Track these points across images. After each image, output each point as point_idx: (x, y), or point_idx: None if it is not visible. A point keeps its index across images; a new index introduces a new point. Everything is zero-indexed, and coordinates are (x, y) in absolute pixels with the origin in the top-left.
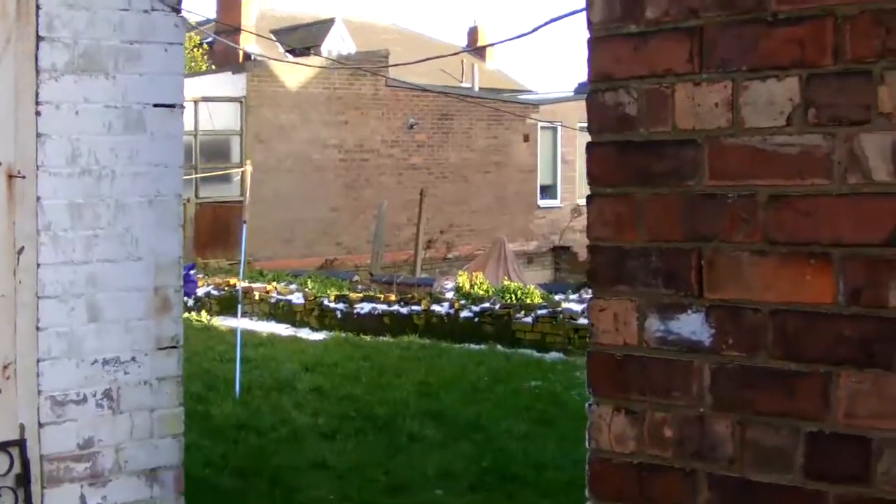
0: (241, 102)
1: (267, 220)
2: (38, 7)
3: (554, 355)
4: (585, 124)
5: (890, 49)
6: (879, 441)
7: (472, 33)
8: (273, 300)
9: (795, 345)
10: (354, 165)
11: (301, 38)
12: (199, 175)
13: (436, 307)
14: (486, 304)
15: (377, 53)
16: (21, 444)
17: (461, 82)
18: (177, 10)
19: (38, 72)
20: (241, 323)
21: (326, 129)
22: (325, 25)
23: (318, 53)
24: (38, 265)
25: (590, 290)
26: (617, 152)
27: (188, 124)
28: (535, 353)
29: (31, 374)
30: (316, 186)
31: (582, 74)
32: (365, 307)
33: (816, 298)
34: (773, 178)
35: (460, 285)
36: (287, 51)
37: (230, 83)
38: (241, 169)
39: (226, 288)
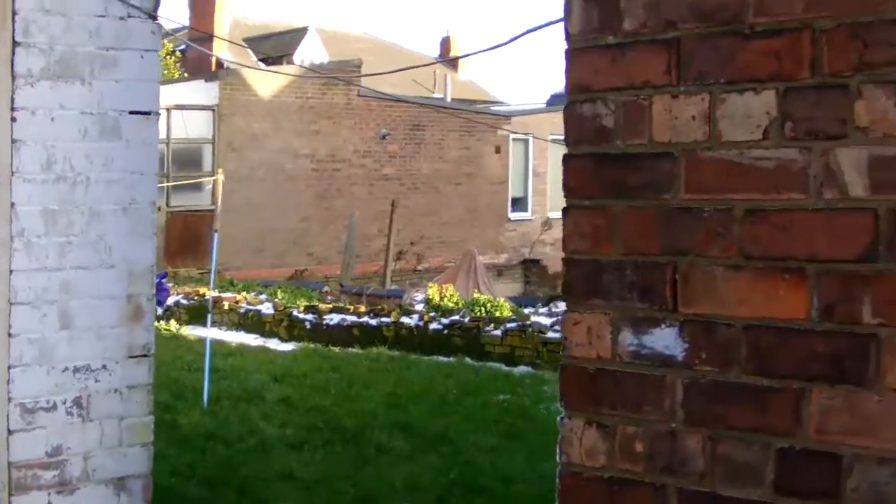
0: (213, 111)
1: (238, 230)
2: (14, 12)
3: (522, 369)
4: (557, 136)
5: (867, 63)
6: (850, 457)
7: (445, 43)
8: (242, 310)
9: (768, 360)
10: (326, 175)
11: (274, 47)
12: (170, 183)
13: (405, 319)
14: (456, 317)
15: (350, 63)
16: None
17: (433, 93)
18: (153, 17)
19: (13, 77)
20: (210, 333)
21: (298, 138)
22: (298, 34)
23: (290, 62)
24: (11, 271)
25: (560, 304)
26: (594, 164)
27: (160, 132)
28: (504, 367)
29: (2, 380)
30: (287, 196)
31: (554, 86)
32: (334, 318)
33: (790, 314)
34: (749, 192)
35: (430, 297)
36: (260, 59)
37: (203, 91)
38: (213, 178)
39: (195, 297)
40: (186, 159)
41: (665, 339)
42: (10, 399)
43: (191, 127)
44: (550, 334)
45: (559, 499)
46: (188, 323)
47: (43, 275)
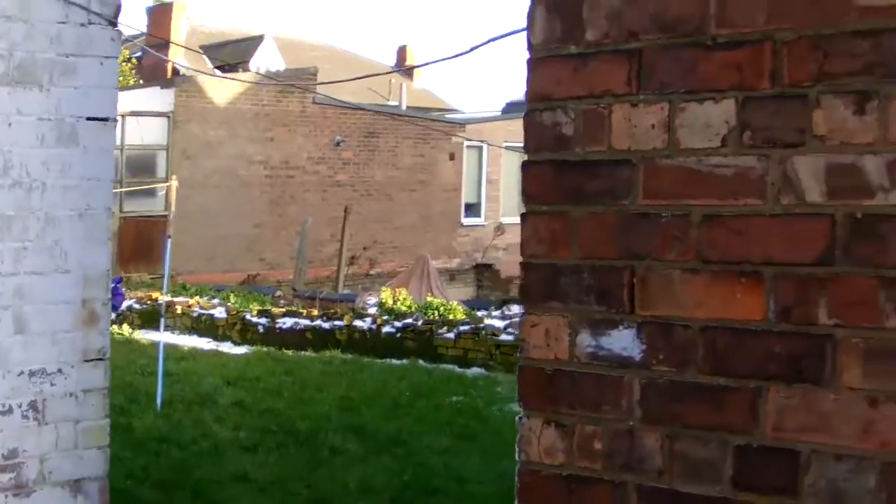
0: (168, 117)
1: (191, 236)
2: None
3: (476, 371)
4: (512, 144)
5: (826, 73)
6: (807, 454)
7: (401, 52)
8: (195, 314)
9: (725, 360)
10: (280, 182)
11: (230, 54)
12: (124, 189)
13: (358, 322)
14: (409, 320)
15: (306, 70)
16: None
17: (388, 100)
18: (113, 24)
19: None
20: (163, 337)
21: (253, 145)
22: (254, 42)
23: (246, 69)
24: None
25: (513, 307)
26: (553, 171)
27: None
28: (457, 369)
29: None
30: (241, 202)
31: (510, 95)
32: (287, 322)
33: (747, 315)
34: (707, 198)
35: (383, 301)
36: (216, 66)
37: (158, 98)
38: (167, 184)
39: (148, 301)
40: (140, 165)
41: (623, 341)
42: None
43: (145, 133)
44: (504, 337)
45: (518, 497)
46: (141, 327)
47: None
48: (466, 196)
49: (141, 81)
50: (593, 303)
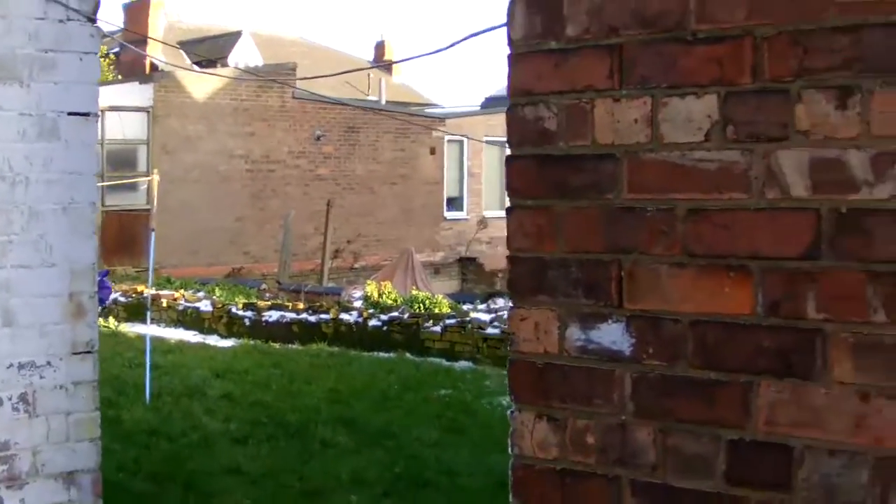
0: (147, 112)
1: (174, 230)
2: None
3: (463, 364)
4: (492, 138)
5: (807, 69)
6: (800, 449)
7: (379, 47)
8: (181, 307)
9: (715, 355)
10: (261, 176)
11: (208, 50)
12: (105, 183)
13: (344, 316)
14: (395, 313)
15: (285, 66)
16: None
17: (367, 95)
18: (92, 20)
19: None
20: (149, 330)
21: (233, 139)
22: (232, 38)
23: (225, 65)
24: None
25: (498, 300)
26: (537, 165)
27: None
28: (445, 362)
29: None
30: (222, 196)
31: (489, 89)
32: (273, 315)
33: (735, 310)
34: (691, 192)
35: (368, 294)
36: (194, 62)
37: (137, 93)
38: (149, 178)
39: (133, 295)
40: (121, 160)
41: (612, 335)
42: None
43: (125, 128)
44: (490, 330)
45: (512, 491)
46: (127, 320)
47: None
48: (448, 190)
49: (119, 77)
50: (581, 296)
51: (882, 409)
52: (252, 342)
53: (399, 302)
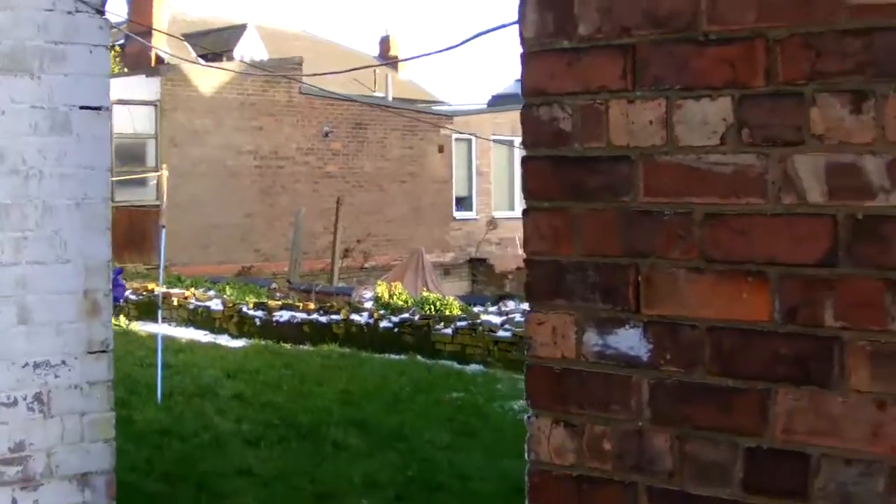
0: (155, 106)
1: (183, 225)
2: None
3: (474, 367)
4: (499, 137)
5: (820, 72)
6: (817, 457)
7: (384, 42)
8: (192, 306)
9: (733, 361)
10: (270, 172)
11: (213, 43)
12: (114, 178)
13: (355, 317)
14: (406, 315)
15: (291, 60)
16: None
17: (374, 91)
18: (100, 12)
19: None
20: (160, 329)
21: (241, 134)
22: (237, 31)
23: (230, 58)
24: None
25: (509, 303)
26: (552, 167)
27: None
28: (456, 365)
29: None
30: (231, 192)
31: (495, 87)
32: (284, 315)
33: (753, 316)
34: (708, 196)
35: (379, 295)
36: (199, 55)
37: (144, 86)
38: (158, 173)
39: (144, 293)
40: (129, 154)
41: (629, 340)
42: None
43: (133, 122)
44: (501, 333)
45: (529, 497)
46: (137, 318)
47: None
48: (457, 189)
49: (125, 70)
50: (599, 301)
51: None
52: (263, 342)
53: (410, 303)
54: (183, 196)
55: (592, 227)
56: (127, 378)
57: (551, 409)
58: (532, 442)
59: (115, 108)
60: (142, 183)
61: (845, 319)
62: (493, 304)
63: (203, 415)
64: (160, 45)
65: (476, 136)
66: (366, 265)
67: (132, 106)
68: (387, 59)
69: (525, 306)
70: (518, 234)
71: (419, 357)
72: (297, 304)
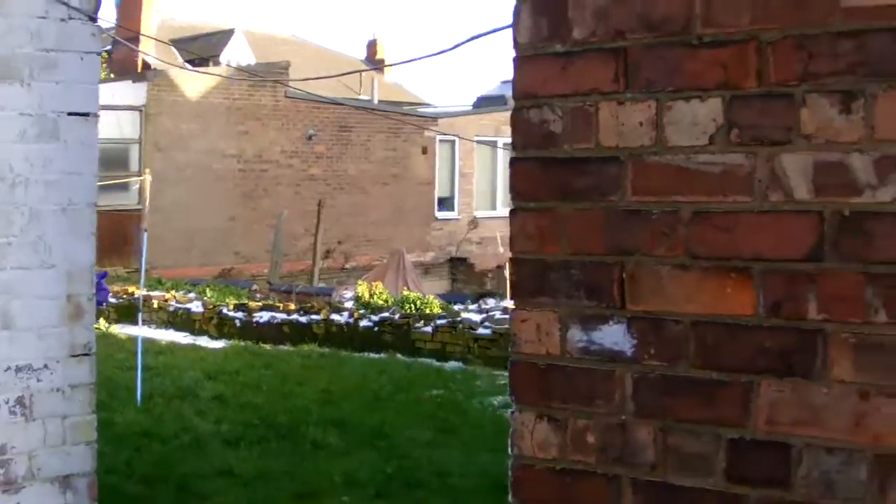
0: (140, 111)
1: (165, 229)
2: None
3: (454, 364)
4: (483, 138)
5: (811, 73)
6: (800, 447)
7: (371, 46)
8: (172, 308)
9: (716, 355)
10: (253, 175)
11: (201, 48)
12: (98, 183)
13: (335, 316)
14: (386, 314)
15: (277, 65)
16: None
17: (359, 94)
18: (93, 20)
19: None
20: (140, 331)
21: (226, 139)
22: (224, 36)
23: (217, 64)
24: None
25: (489, 301)
26: (540, 168)
27: None
28: (436, 362)
29: None
30: (215, 196)
31: (480, 89)
32: (264, 316)
33: (737, 311)
34: (695, 194)
35: (360, 295)
36: (186, 60)
37: (130, 92)
38: (141, 178)
39: (124, 296)
40: (113, 159)
41: (614, 336)
42: None
43: (117, 127)
44: (481, 330)
45: (512, 491)
46: (117, 321)
47: None
48: (440, 190)
49: (112, 75)
50: (583, 298)
51: (881, 408)
52: (243, 343)
53: (390, 302)
54: (166, 200)
55: (579, 226)
56: (107, 381)
57: (535, 405)
58: (515, 437)
59: (101, 113)
60: (124, 187)
61: (828, 312)
62: (473, 303)
63: (183, 416)
64: (148, 50)
65: (459, 137)
66: (346, 266)
67: (117, 111)
68: (374, 62)
69: (504, 304)
70: (499, 232)
71: (399, 355)
72: (278, 304)
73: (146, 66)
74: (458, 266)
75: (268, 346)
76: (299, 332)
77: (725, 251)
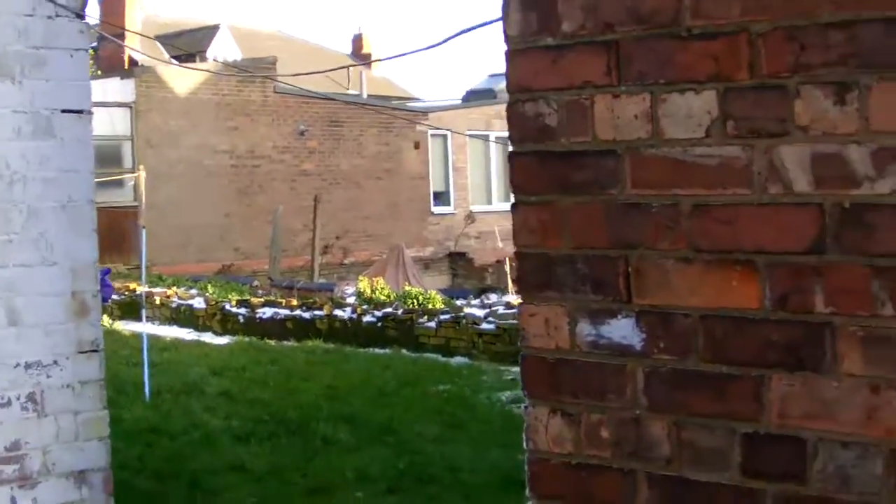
0: (130, 108)
1: (162, 226)
2: None
3: (459, 360)
4: (474, 132)
5: (803, 65)
6: (814, 441)
7: (357, 40)
8: (174, 305)
9: (725, 349)
10: (246, 171)
11: (186, 44)
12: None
13: (338, 312)
14: (389, 309)
15: (265, 60)
16: None
17: (348, 89)
18: (80, 17)
19: None
20: (145, 327)
21: (216, 135)
22: (210, 32)
23: (203, 59)
24: None
25: (491, 296)
26: (538, 162)
27: None
28: (441, 358)
29: None
30: (208, 192)
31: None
32: (267, 312)
33: (743, 304)
34: (694, 187)
35: (362, 290)
36: (173, 56)
37: (119, 88)
38: (135, 174)
39: (126, 292)
40: (106, 156)
41: (622, 330)
42: None
43: (109, 124)
44: (485, 325)
45: (529, 485)
46: (121, 318)
47: None
48: (434, 185)
49: (99, 72)
50: (590, 292)
51: (892, 401)
52: (247, 339)
53: (392, 298)
54: (160, 197)
55: (580, 219)
56: (114, 377)
57: (547, 399)
58: (530, 431)
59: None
60: (119, 184)
61: (835, 305)
62: (475, 298)
63: (191, 412)
64: (134, 46)
65: (452, 132)
66: (345, 261)
67: (107, 108)
68: (359, 56)
69: (507, 298)
70: (497, 227)
71: (403, 351)
72: (280, 300)
73: (133, 62)
74: (457, 261)
75: (272, 342)
76: (303, 328)
77: (728, 244)
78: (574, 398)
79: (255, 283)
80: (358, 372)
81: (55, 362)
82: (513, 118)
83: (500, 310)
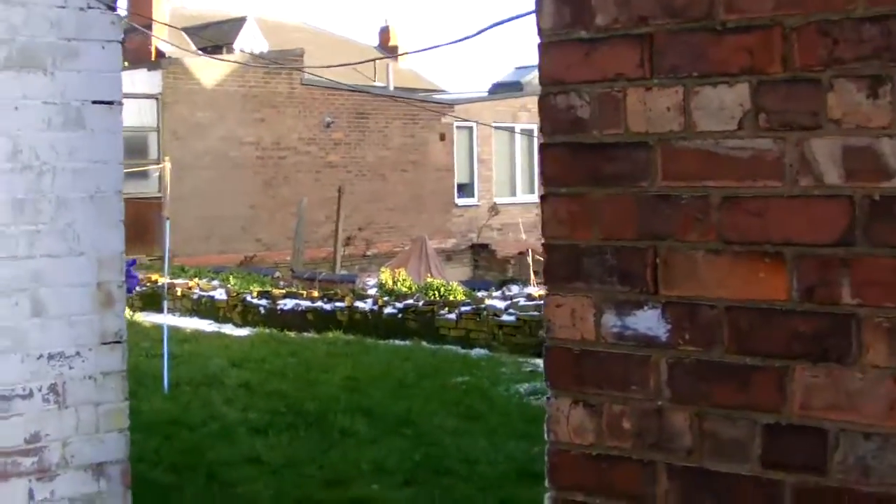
0: (157, 99)
1: (186, 217)
2: None
3: (479, 351)
4: (500, 124)
5: (837, 59)
6: (835, 432)
7: (384, 32)
8: (195, 296)
9: (751, 340)
10: (272, 163)
11: (212, 36)
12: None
13: (359, 304)
14: (410, 301)
15: (292, 52)
16: None
17: (374, 81)
18: (112, 8)
19: None
20: (165, 319)
21: (243, 126)
22: (236, 24)
23: (230, 51)
24: None
25: (512, 287)
26: (570, 154)
27: None
28: (461, 350)
29: None
30: (234, 184)
31: (495, 75)
32: (288, 303)
33: (770, 295)
34: (725, 179)
35: (383, 282)
36: (199, 48)
37: (146, 80)
38: (160, 165)
39: (148, 284)
40: (132, 147)
41: (648, 321)
42: None
43: (136, 115)
44: (505, 317)
45: (549, 476)
46: (142, 309)
47: (13, 263)
48: (459, 177)
49: (126, 64)
50: (617, 283)
51: None
52: (267, 331)
53: (413, 289)
54: (185, 188)
55: (610, 211)
56: (134, 369)
57: (570, 390)
58: (551, 422)
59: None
60: (144, 175)
61: (861, 297)
62: (496, 289)
63: (210, 404)
64: (161, 37)
65: (478, 123)
66: (368, 253)
67: (134, 99)
68: (386, 48)
69: (528, 290)
70: (520, 219)
71: (424, 342)
72: (301, 292)
73: (160, 53)
74: (479, 253)
75: (292, 334)
76: (324, 320)
77: (757, 236)
78: (597, 389)
79: (277, 274)
80: (378, 364)
81: (78, 353)
82: (545, 110)
83: (521, 301)
